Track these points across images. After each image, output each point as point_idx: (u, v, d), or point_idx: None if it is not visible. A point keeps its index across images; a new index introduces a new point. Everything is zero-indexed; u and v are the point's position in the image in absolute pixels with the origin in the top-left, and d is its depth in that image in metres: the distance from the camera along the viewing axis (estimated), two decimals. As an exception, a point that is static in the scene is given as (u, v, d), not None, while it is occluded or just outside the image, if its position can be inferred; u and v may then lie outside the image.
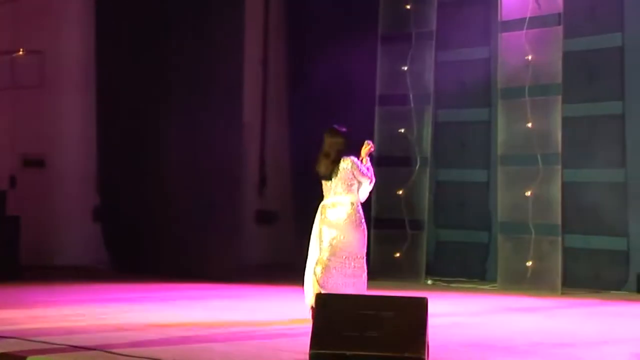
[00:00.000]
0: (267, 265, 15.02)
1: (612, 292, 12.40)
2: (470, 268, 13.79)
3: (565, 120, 12.53)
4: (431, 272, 13.68)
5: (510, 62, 12.91)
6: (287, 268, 14.83)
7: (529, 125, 12.65)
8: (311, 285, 8.71)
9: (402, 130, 13.74)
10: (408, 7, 13.78)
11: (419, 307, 6.39)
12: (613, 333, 9.02)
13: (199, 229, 13.28)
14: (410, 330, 6.23)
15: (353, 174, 8.79)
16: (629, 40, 12.75)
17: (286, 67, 15.81)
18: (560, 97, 12.46)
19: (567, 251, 12.56)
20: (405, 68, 13.76)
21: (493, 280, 13.11)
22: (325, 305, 6.44)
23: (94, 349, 7.20)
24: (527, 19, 12.67)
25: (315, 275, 8.68)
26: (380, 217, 13.82)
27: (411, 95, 13.71)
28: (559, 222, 12.36)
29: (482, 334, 8.65)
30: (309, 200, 15.43)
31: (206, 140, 13.42)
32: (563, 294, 12.15)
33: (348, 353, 6.19)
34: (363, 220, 8.91)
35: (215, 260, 13.10)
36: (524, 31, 12.70)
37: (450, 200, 14.25)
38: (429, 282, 13.34)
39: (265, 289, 12.25)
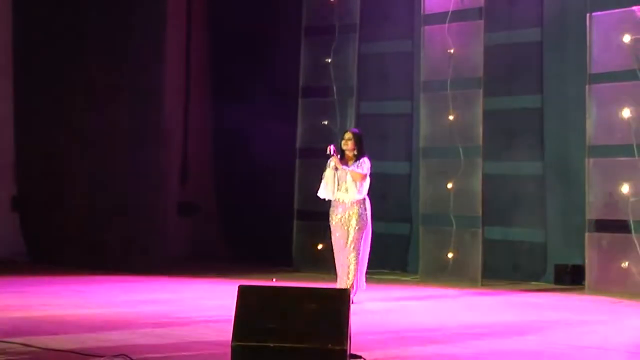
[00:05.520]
0: (189, 257, 14.93)
1: (530, 283, 12.59)
2: (392, 260, 13.85)
3: (486, 113, 12.68)
4: (353, 263, 13.67)
5: (433, 55, 13.01)
6: (208, 260, 14.80)
7: (451, 118, 12.77)
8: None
9: (326, 122, 13.75)
10: (331, -1, 13.81)
11: (341, 299, 6.40)
12: (531, 323, 9.15)
13: (120, 220, 13.14)
14: (333, 322, 6.23)
15: None
16: (548, 35, 12.94)
17: (209, 58, 15.70)
18: (481, 91, 12.60)
19: (487, 243, 12.70)
20: (329, 60, 13.77)
21: (414, 271, 13.22)
22: (248, 296, 6.40)
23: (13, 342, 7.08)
24: (450, 12, 12.78)
25: None
26: (302, 208, 13.82)
27: (334, 87, 13.73)
28: (480, 214, 12.50)
29: (403, 325, 8.71)
30: (231, 192, 15.49)
31: (127, 131, 13.27)
32: (483, 285, 12.29)
33: (271, 345, 6.16)
34: None
35: (137, 252, 12.98)
36: (447, 25, 12.81)
37: (372, 192, 14.27)
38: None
39: (186, 281, 12.16)
